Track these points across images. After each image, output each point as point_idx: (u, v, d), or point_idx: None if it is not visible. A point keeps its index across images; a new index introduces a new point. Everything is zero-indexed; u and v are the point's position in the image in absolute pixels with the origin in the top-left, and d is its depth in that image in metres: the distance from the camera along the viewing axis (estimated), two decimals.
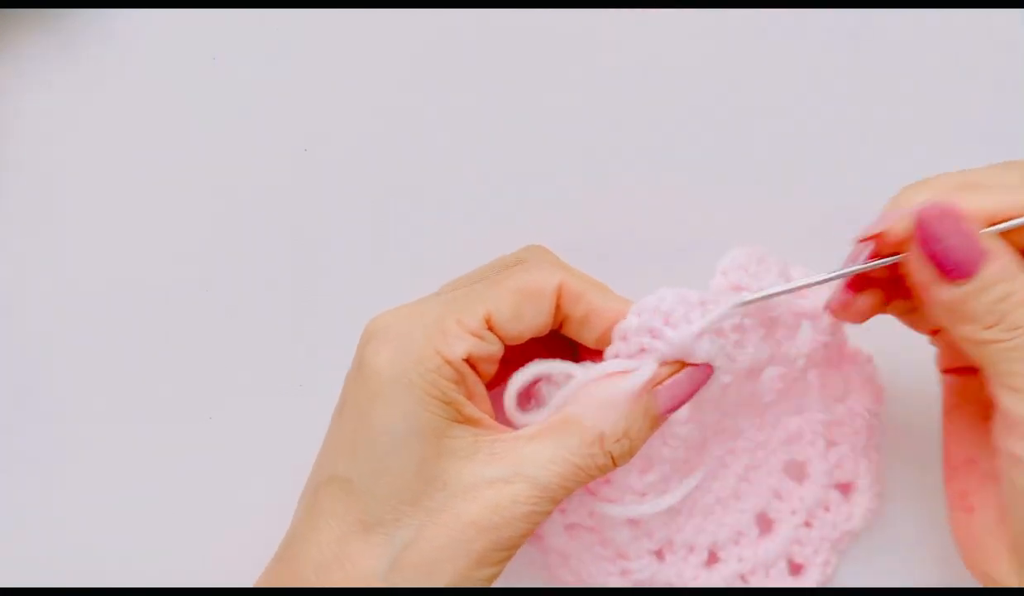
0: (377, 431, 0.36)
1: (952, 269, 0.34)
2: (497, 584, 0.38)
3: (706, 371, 0.38)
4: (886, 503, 0.45)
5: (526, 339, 0.38)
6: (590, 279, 0.39)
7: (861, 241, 0.38)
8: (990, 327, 0.34)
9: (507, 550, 0.37)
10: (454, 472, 0.36)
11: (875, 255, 0.37)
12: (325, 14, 0.49)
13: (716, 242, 0.47)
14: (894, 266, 0.37)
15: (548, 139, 0.48)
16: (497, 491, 0.36)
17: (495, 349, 0.38)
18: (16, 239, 0.48)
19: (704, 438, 0.41)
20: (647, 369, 0.37)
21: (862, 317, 0.40)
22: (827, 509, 0.43)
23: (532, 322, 0.38)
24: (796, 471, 0.43)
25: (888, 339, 0.42)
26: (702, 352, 0.37)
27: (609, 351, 0.38)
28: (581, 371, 0.38)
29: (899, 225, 0.36)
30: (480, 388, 0.38)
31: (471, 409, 0.37)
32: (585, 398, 0.38)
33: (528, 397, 0.39)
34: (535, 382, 0.39)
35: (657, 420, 0.38)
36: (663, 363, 0.37)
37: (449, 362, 0.36)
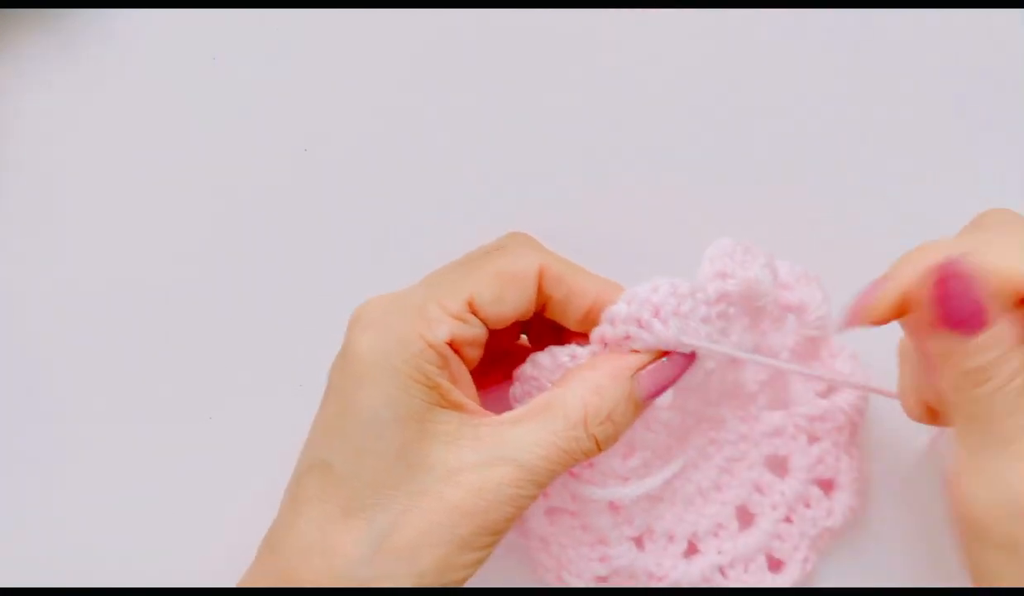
0: (359, 415, 0.36)
1: (961, 323, 0.34)
2: (482, 577, 0.38)
3: (689, 358, 0.38)
4: (870, 501, 0.45)
5: (509, 322, 0.39)
6: (570, 262, 0.39)
7: (853, 322, 0.37)
8: (980, 384, 0.34)
9: (492, 535, 0.37)
10: (437, 456, 0.36)
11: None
12: (325, 14, 0.49)
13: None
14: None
15: (548, 139, 0.48)
16: (481, 475, 0.36)
17: (478, 332, 0.38)
18: (16, 239, 0.48)
19: (687, 426, 0.42)
20: (631, 355, 0.38)
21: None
22: (808, 505, 0.43)
23: (514, 305, 0.38)
24: (778, 465, 0.44)
25: (873, 335, 0.41)
26: (686, 347, 0.38)
27: (595, 333, 0.39)
28: (567, 356, 0.38)
29: (887, 304, 0.36)
30: (464, 373, 0.38)
31: (455, 394, 0.37)
32: (569, 381, 0.38)
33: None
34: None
35: (641, 405, 0.38)
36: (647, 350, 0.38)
37: (432, 346, 0.37)
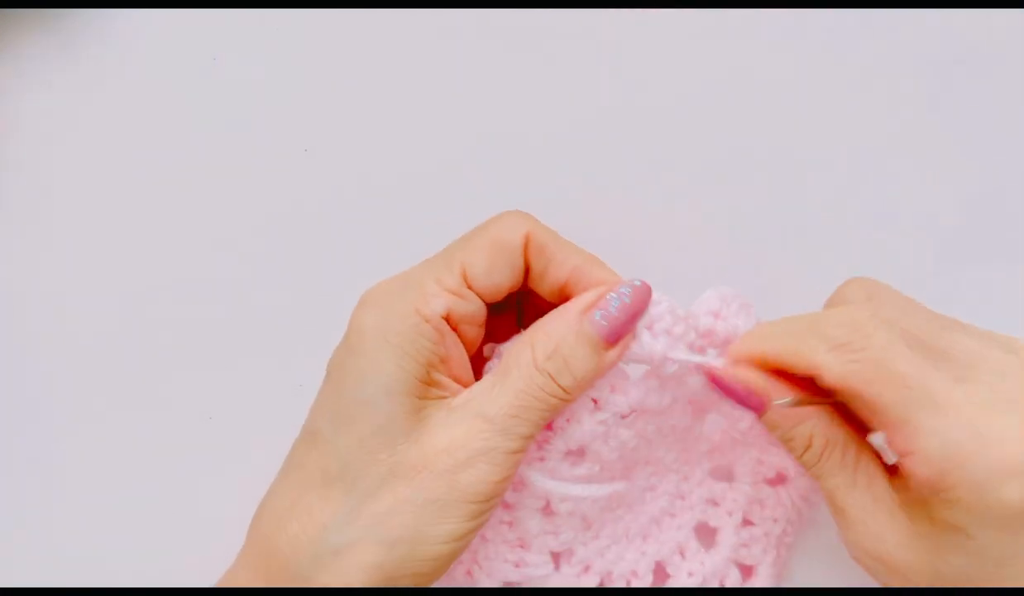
0: (348, 384, 0.37)
1: (746, 407, 0.39)
2: None
3: (643, 291, 0.38)
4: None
5: (504, 293, 0.39)
6: (556, 233, 0.40)
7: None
8: (792, 451, 0.39)
9: (466, 504, 0.36)
10: (419, 428, 0.37)
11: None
12: (325, 14, 0.49)
13: (715, 242, 0.48)
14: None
15: (548, 139, 0.48)
16: (451, 433, 0.37)
17: (475, 308, 0.38)
18: (16, 239, 0.48)
19: (637, 458, 0.42)
20: (582, 295, 0.38)
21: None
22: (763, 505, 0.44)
23: (505, 274, 0.39)
24: (706, 534, 0.44)
25: None
26: (671, 364, 0.39)
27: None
28: None
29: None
30: (460, 351, 0.39)
31: (442, 372, 0.38)
32: (527, 331, 0.38)
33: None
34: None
35: (599, 344, 0.38)
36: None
37: (427, 319, 0.37)
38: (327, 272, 0.48)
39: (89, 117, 0.49)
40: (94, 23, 0.49)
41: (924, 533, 0.36)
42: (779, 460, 0.44)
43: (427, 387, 0.37)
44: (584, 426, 0.39)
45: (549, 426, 0.39)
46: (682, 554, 0.44)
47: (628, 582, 0.43)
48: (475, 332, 0.39)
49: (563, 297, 0.39)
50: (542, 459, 0.40)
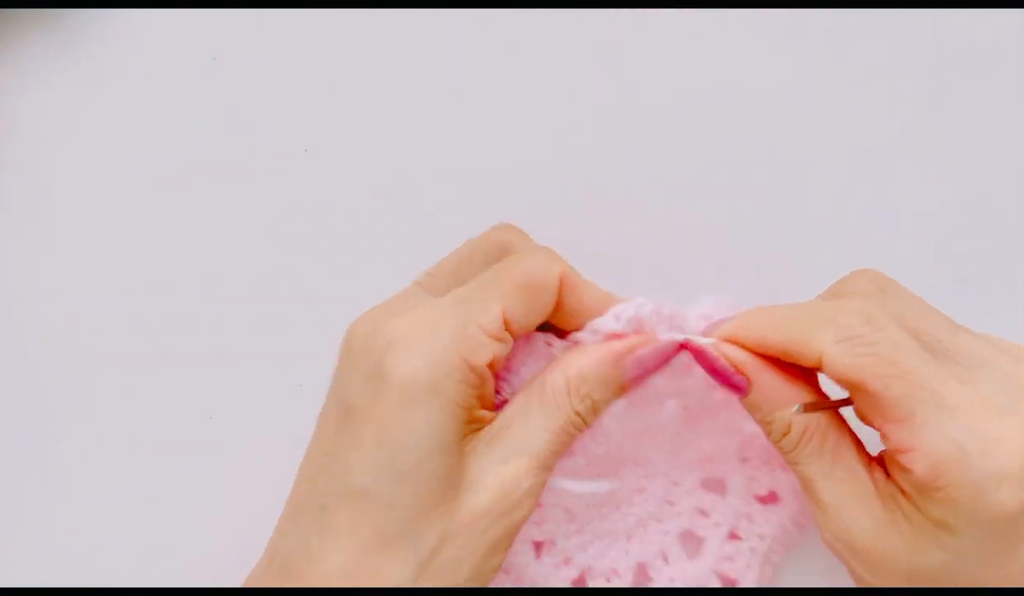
0: (401, 443, 0.36)
1: (728, 387, 0.39)
2: None
3: (672, 348, 0.39)
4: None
5: (532, 330, 0.39)
6: (577, 272, 0.40)
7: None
8: (769, 434, 0.39)
9: (513, 535, 0.38)
10: (468, 472, 0.37)
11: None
12: (325, 14, 0.49)
13: (715, 242, 0.48)
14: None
15: (548, 139, 0.48)
16: (500, 475, 0.37)
17: (510, 347, 0.39)
18: (16, 239, 0.48)
19: (624, 455, 0.42)
20: (617, 341, 0.39)
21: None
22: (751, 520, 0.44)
23: (540, 315, 0.39)
24: (692, 543, 0.44)
25: None
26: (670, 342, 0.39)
27: (574, 337, 0.40)
28: (542, 342, 0.40)
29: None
30: (491, 385, 0.39)
31: (482, 412, 0.38)
32: (560, 363, 0.39)
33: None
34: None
35: (623, 388, 0.39)
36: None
37: (474, 368, 0.37)
38: (327, 272, 0.48)
39: (89, 117, 0.49)
40: (94, 23, 0.49)
41: (901, 524, 0.36)
42: (772, 479, 0.44)
43: (468, 425, 0.38)
44: None
45: None
46: (665, 559, 0.44)
47: (608, 579, 0.43)
48: (501, 364, 0.39)
49: (578, 328, 0.40)
50: None
